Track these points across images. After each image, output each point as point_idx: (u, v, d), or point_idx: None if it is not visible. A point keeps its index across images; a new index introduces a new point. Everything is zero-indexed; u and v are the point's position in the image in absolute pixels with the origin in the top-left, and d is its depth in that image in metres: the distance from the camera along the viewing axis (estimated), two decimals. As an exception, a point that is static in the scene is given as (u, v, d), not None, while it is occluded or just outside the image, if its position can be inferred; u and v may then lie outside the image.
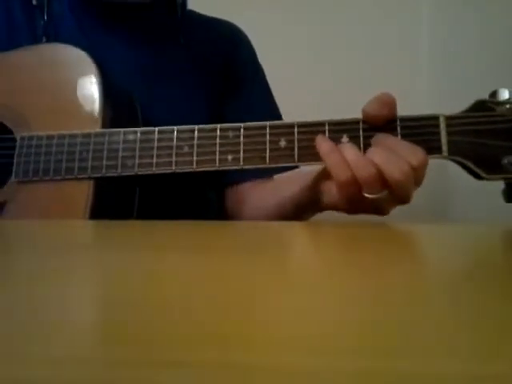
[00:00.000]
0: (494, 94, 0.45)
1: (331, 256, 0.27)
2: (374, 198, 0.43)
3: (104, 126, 0.53)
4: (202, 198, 0.68)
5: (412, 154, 0.42)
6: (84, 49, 0.56)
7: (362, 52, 0.96)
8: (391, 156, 0.42)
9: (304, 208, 0.55)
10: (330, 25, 0.99)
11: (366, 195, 0.43)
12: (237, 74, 0.71)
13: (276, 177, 0.66)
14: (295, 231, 0.41)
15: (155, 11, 0.68)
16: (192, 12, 0.73)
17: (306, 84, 0.91)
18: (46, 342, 0.13)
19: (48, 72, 0.56)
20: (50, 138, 0.54)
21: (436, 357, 0.11)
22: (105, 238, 0.37)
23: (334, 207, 0.48)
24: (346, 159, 0.43)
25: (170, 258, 0.25)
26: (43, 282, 0.20)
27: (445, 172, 0.84)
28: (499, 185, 0.45)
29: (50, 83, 0.56)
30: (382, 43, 0.97)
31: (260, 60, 0.75)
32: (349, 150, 0.43)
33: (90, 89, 0.54)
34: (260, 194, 0.65)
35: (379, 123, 0.45)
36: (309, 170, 0.51)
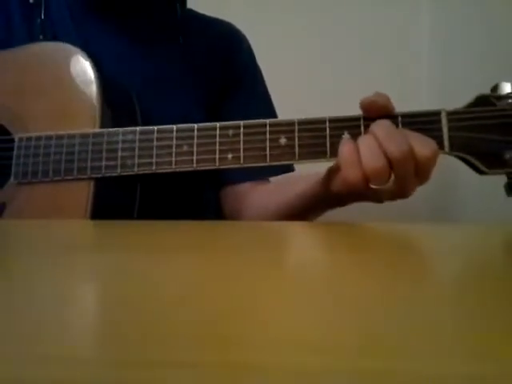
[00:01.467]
0: (495, 88, 0.44)
1: (331, 256, 0.27)
2: (379, 189, 0.43)
3: (103, 125, 0.53)
4: (200, 198, 0.68)
5: (419, 142, 0.42)
6: (81, 47, 0.55)
7: (362, 52, 0.97)
8: (392, 133, 0.42)
9: (314, 204, 0.54)
10: (330, 25, 0.99)
11: (373, 186, 0.43)
12: (235, 75, 0.71)
13: (277, 178, 0.66)
14: (295, 231, 0.41)
15: (154, 9, 0.68)
16: (192, 11, 0.73)
17: (305, 85, 0.91)
18: (46, 341, 0.13)
19: (45, 71, 0.56)
20: (48, 138, 0.53)
21: (435, 357, 0.11)
22: (105, 238, 0.37)
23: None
24: (359, 156, 0.43)
25: (170, 258, 0.25)
26: (43, 283, 0.20)
27: (447, 171, 0.84)
28: (500, 184, 0.45)
29: (46, 83, 0.55)
30: (382, 43, 0.98)
31: (258, 60, 0.74)
32: (363, 143, 0.43)
33: (88, 88, 0.53)
34: (261, 195, 0.64)
35: (377, 111, 0.45)
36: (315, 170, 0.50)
